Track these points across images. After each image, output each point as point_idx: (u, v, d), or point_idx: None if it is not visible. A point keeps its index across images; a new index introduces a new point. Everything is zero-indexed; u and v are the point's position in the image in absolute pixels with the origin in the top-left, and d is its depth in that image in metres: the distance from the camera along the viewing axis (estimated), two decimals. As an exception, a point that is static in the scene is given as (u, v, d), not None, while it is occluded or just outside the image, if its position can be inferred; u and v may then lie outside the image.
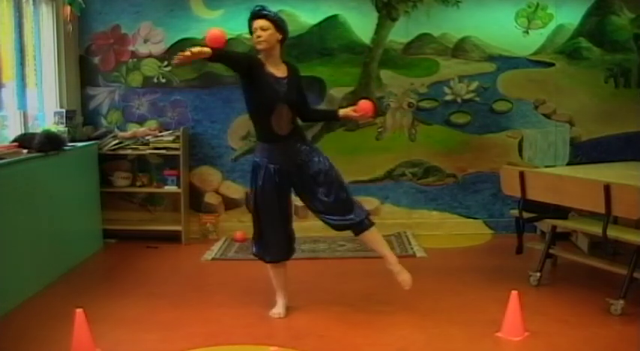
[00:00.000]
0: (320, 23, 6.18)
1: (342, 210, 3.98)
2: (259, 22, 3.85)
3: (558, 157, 6.30)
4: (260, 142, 4.01)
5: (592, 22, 6.22)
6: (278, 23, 3.88)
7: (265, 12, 3.88)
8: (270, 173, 3.95)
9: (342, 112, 4.14)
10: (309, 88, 6.09)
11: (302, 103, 4.10)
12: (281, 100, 3.88)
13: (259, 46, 3.88)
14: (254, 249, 4.15)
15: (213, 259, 5.53)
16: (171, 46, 6.18)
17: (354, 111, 4.05)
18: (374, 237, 4.07)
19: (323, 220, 4.06)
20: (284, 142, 3.94)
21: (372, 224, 4.04)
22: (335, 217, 3.99)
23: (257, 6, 3.92)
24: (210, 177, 6.33)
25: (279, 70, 3.94)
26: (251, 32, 3.91)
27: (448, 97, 6.26)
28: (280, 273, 4.15)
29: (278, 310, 4.10)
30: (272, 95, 3.86)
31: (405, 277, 4.03)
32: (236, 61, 3.91)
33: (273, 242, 4.05)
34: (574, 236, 5.55)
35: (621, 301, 4.01)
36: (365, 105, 4.05)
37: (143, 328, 3.91)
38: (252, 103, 3.93)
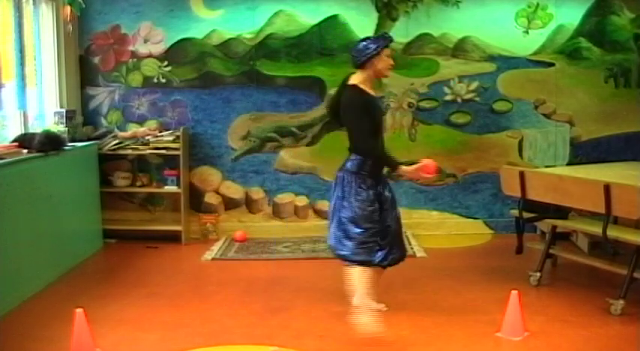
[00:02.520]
0: (320, 23, 6.17)
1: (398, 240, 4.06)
2: (390, 51, 3.84)
3: (558, 157, 6.29)
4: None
5: (592, 22, 6.22)
6: None
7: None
8: (368, 184, 3.87)
9: (403, 169, 3.86)
10: (310, 88, 6.14)
11: None
12: (383, 117, 4.05)
13: (388, 74, 3.92)
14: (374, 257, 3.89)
15: (213, 259, 5.52)
16: (171, 46, 6.19)
17: (418, 169, 3.80)
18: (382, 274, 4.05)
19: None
20: (381, 156, 3.94)
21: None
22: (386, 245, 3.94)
23: (386, 33, 3.98)
24: (210, 177, 6.33)
25: (376, 90, 4.04)
26: (372, 52, 3.74)
27: (448, 97, 6.26)
28: (375, 277, 3.94)
29: (378, 306, 3.84)
30: (381, 114, 4.05)
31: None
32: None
33: (381, 247, 3.91)
34: (574, 236, 5.55)
35: (621, 301, 4.01)
36: (428, 166, 3.80)
37: (143, 328, 3.91)
38: (372, 124, 3.81)
